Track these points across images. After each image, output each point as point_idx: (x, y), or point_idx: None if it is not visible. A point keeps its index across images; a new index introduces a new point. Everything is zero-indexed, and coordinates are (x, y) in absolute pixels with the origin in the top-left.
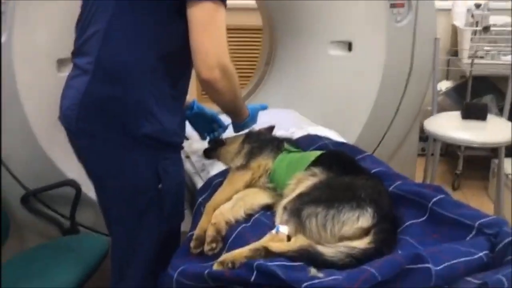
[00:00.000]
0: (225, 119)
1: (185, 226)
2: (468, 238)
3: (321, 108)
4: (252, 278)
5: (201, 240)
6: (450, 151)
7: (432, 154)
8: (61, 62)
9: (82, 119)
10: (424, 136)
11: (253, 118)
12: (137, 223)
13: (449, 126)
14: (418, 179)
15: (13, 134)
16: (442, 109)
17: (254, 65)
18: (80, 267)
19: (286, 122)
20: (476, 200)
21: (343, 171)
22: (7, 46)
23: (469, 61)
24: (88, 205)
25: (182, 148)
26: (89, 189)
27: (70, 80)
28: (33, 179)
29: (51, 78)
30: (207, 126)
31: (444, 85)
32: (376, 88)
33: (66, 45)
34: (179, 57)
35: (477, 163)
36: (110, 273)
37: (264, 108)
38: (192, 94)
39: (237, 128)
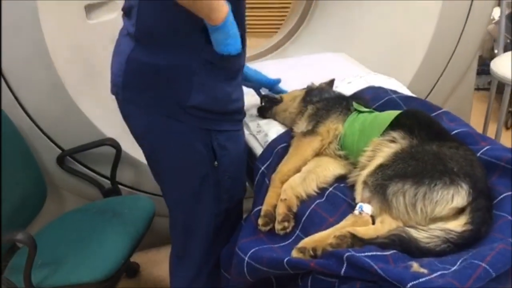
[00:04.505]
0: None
1: None
2: None
3: (372, 47)
4: (342, 271)
5: (270, 217)
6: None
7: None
8: (90, 8)
9: (128, 87)
10: (479, 69)
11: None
12: (192, 200)
13: None
14: (474, 116)
15: (44, 91)
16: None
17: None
18: (129, 233)
19: (339, 69)
20: None
21: (425, 136)
22: None
23: None
24: (128, 163)
25: (244, 116)
26: (129, 147)
27: (119, 42)
28: (68, 139)
29: (81, 27)
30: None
31: (497, 12)
32: (434, 22)
33: None
34: None
35: None
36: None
37: (277, 82)
38: None
39: (214, 33)
